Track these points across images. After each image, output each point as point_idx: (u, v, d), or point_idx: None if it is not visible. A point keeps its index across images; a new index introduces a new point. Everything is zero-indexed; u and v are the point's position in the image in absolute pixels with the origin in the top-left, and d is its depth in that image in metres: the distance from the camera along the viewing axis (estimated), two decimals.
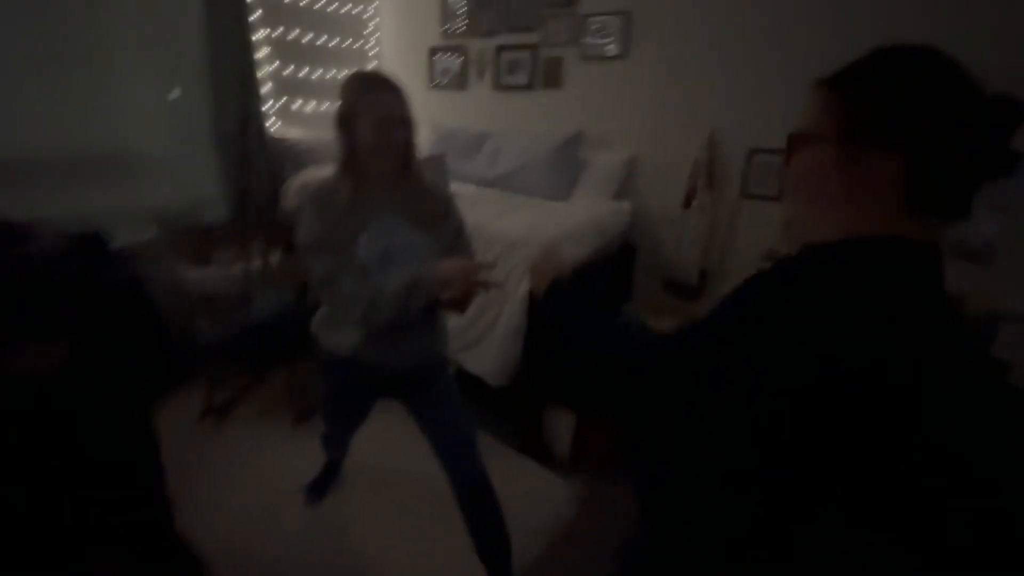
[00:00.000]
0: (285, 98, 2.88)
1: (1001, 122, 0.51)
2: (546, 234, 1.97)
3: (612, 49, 2.43)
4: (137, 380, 1.10)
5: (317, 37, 2.99)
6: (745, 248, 2.27)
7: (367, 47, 3.30)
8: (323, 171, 1.28)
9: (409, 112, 1.15)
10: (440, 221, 1.25)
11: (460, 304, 1.15)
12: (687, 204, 2.31)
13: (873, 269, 0.53)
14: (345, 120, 1.12)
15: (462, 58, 3.00)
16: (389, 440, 1.91)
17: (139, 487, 1.18)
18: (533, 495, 1.82)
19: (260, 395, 2.31)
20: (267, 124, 2.73)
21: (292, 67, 2.89)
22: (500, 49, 2.83)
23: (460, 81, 3.06)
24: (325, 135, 2.94)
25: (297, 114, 2.97)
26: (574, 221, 2.14)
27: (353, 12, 3.18)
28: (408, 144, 1.16)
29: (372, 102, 1.11)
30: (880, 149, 0.53)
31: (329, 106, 3.09)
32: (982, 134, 0.51)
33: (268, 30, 2.73)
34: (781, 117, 2.04)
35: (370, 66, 3.33)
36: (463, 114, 3.08)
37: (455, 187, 2.39)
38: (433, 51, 3.13)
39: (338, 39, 3.11)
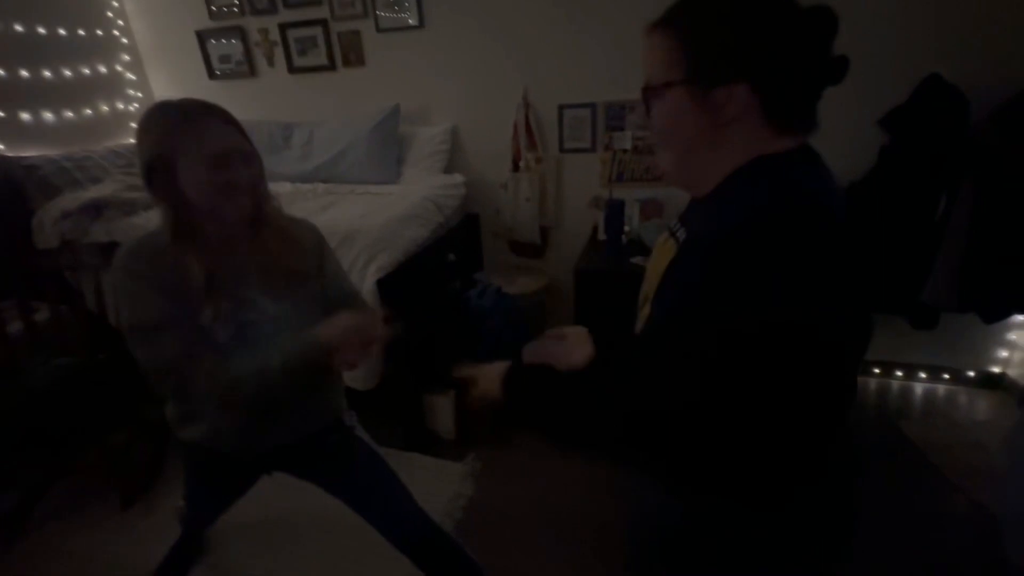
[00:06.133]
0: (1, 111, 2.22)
1: (822, 32, 0.54)
2: (381, 219, 1.86)
3: (410, 20, 2.33)
4: None
5: (38, 26, 2.34)
6: (574, 199, 2.42)
7: (113, 35, 2.68)
8: (146, 228, 0.99)
9: (248, 143, 0.90)
10: (309, 279, 1.01)
11: (351, 362, 0.94)
12: (515, 167, 2.38)
13: (790, 181, 0.55)
14: (158, 170, 0.84)
15: (241, 41, 2.62)
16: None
17: None
18: (433, 485, 1.77)
19: (70, 484, 1.84)
20: None
21: (5, 69, 2.22)
22: (284, 27, 2.53)
23: (246, 68, 2.68)
24: (76, 150, 2.37)
25: (31, 127, 2.32)
26: (408, 202, 2.05)
27: None
28: (255, 185, 0.91)
29: (193, 138, 0.83)
30: (729, 81, 0.55)
31: (73, 115, 2.48)
32: (810, 46, 0.55)
33: None
34: (587, 71, 2.20)
35: (125, 59, 2.73)
36: (260, 105, 2.71)
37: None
38: (203, 35, 2.67)
39: (66, 28, 2.46)
